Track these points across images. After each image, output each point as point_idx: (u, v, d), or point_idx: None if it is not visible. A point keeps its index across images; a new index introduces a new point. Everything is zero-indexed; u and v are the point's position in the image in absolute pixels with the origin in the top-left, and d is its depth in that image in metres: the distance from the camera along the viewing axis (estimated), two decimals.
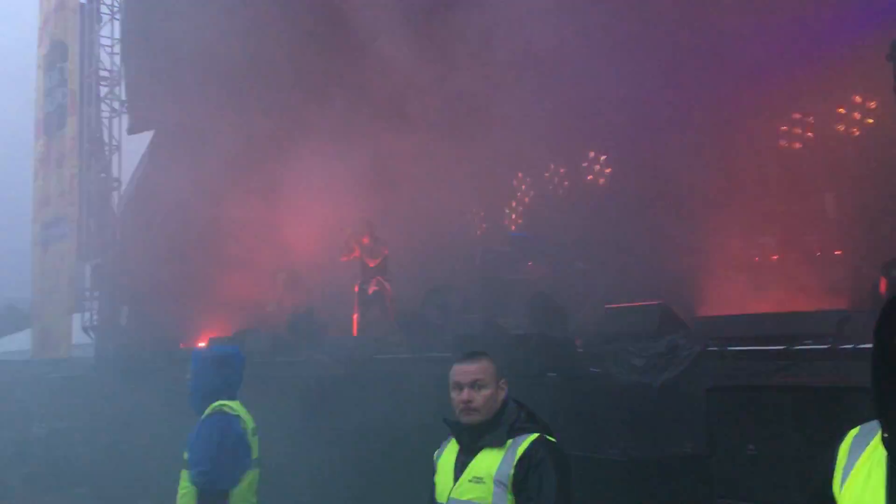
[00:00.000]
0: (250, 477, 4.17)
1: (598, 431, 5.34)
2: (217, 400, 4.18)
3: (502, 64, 10.30)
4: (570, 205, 11.68)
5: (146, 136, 16.69)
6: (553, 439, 2.97)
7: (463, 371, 3.04)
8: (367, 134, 11.37)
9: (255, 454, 4.24)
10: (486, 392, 2.99)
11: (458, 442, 3.05)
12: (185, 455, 4.11)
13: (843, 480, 1.73)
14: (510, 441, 2.91)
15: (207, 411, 4.14)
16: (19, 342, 24.35)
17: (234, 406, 4.23)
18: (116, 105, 16.01)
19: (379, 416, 7.35)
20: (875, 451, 1.70)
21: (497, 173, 12.22)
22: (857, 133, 10.02)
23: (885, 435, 1.67)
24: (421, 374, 7.57)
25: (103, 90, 15.93)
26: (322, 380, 8.33)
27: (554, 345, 6.19)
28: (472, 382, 3.00)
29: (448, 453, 3.10)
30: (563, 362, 6.14)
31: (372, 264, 11.05)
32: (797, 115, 10.31)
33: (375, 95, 11.72)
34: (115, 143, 15.88)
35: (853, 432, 1.79)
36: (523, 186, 13.34)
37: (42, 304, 17.22)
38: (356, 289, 11.27)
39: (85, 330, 15.69)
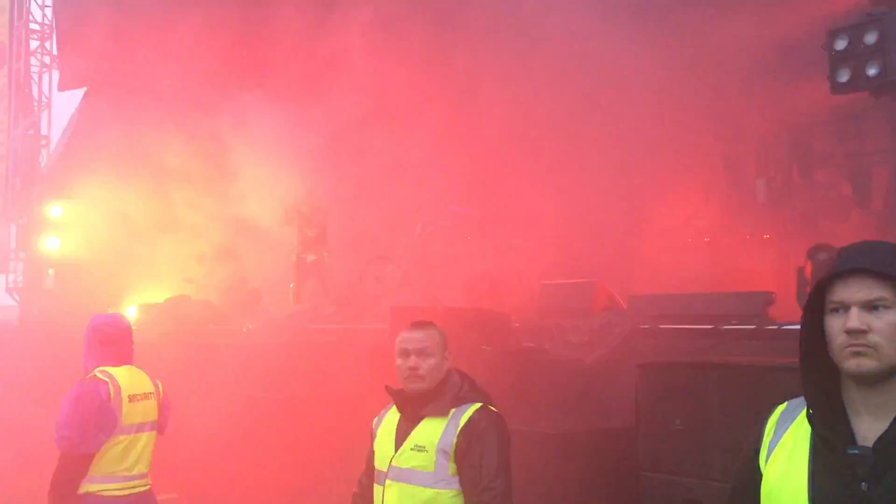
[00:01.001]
0: (122, 442, 4.12)
1: (530, 405, 5.41)
2: (99, 364, 4.18)
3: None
4: (510, 181, 11.72)
5: (77, 94, 16.13)
6: (495, 409, 3.00)
7: (410, 338, 3.05)
8: (318, 92, 11.17)
9: (129, 420, 4.18)
10: (431, 361, 2.99)
11: (400, 410, 3.05)
12: None
13: (769, 454, 1.78)
14: (453, 410, 2.93)
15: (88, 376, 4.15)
16: None
17: (113, 371, 4.19)
18: (47, 59, 15.40)
19: (312, 386, 7.33)
20: (800, 427, 1.75)
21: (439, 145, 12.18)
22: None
23: (810, 411, 1.72)
24: (355, 345, 7.56)
25: (34, 43, 15.30)
26: (255, 349, 8.24)
27: (489, 319, 6.23)
28: (419, 350, 3.00)
29: (388, 421, 3.10)
30: (499, 336, 6.19)
31: (311, 233, 10.94)
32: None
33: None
34: (44, 99, 15.29)
35: (780, 408, 1.84)
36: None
37: None
38: (295, 258, 11.14)
39: (9, 292, 15.20)
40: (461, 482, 2.87)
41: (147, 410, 4.31)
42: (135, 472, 4.16)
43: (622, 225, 10.66)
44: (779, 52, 9.50)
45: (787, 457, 1.73)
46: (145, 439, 4.24)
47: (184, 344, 9.69)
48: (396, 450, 2.96)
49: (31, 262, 14.91)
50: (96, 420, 4.00)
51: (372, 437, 3.16)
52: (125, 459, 4.12)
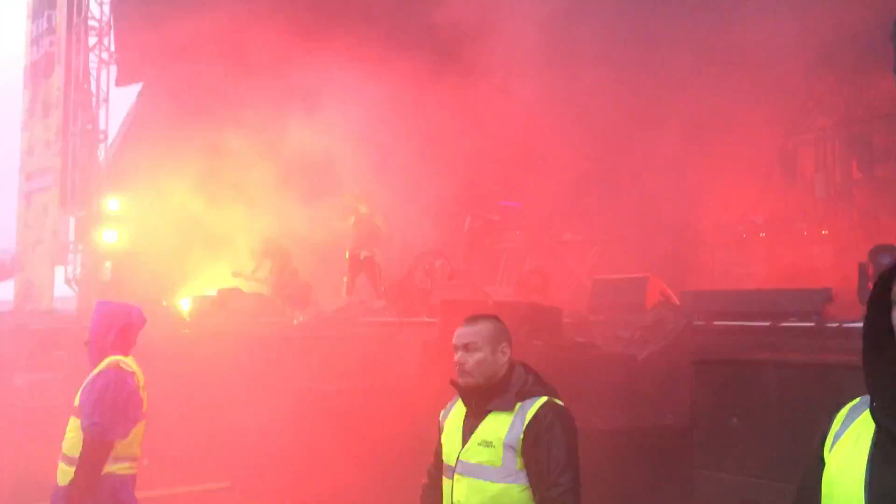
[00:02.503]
0: (137, 429, 4.38)
1: (581, 401, 5.33)
2: (112, 354, 4.34)
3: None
4: (561, 176, 11.63)
5: (134, 89, 16.45)
6: (561, 403, 2.98)
7: (458, 333, 3.06)
8: (365, 96, 11.24)
9: (143, 408, 4.45)
10: (478, 355, 2.97)
11: (466, 405, 3.05)
12: (77, 402, 4.28)
13: (833, 445, 1.80)
14: (519, 405, 2.92)
15: (102, 365, 4.30)
16: (2, 292, 24.20)
17: (129, 362, 4.40)
18: (105, 56, 15.71)
19: (363, 379, 7.37)
20: (865, 421, 1.76)
21: (489, 140, 12.15)
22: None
23: (874, 404, 1.73)
24: (405, 338, 7.59)
25: (92, 40, 15.61)
26: (306, 341, 8.32)
27: (541, 313, 6.19)
28: (465, 345, 3.01)
29: (455, 415, 3.09)
30: (549, 332, 6.14)
31: (366, 231, 11.03)
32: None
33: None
34: (102, 94, 15.61)
35: (851, 403, 1.85)
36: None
37: (26, 255, 17.06)
38: (348, 254, 11.23)
39: (68, 283, 15.57)
40: (529, 477, 2.86)
41: (145, 399, 4.53)
42: (137, 453, 4.40)
43: (676, 220, 10.50)
44: (839, 42, 9.24)
45: (849, 447, 1.76)
46: (142, 425, 4.46)
47: (235, 336, 9.84)
48: (464, 444, 2.97)
49: (89, 254, 15.24)
50: (125, 408, 4.22)
51: (440, 430, 3.16)
52: (138, 445, 4.39)
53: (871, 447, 1.71)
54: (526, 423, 2.87)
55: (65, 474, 4.22)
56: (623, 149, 10.68)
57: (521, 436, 2.86)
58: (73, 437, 4.23)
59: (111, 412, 4.15)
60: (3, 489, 8.72)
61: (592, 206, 11.07)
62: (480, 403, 2.98)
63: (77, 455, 4.15)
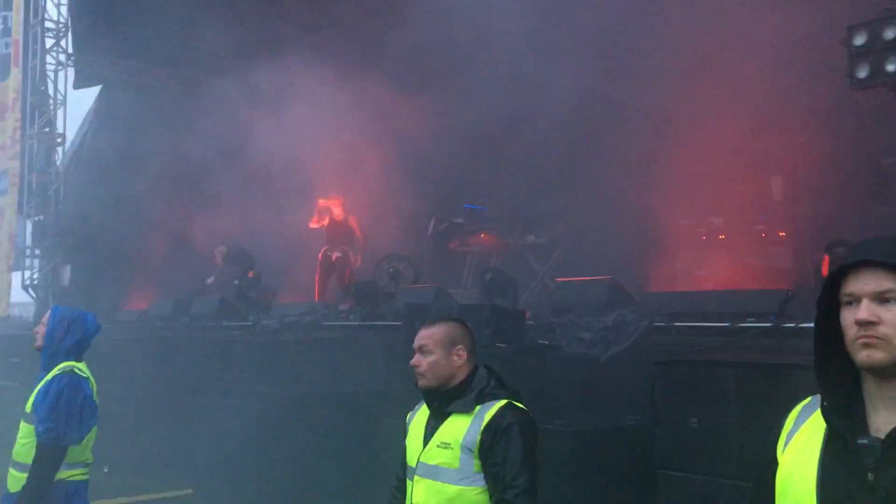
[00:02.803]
0: (91, 435, 4.38)
1: (544, 402, 5.39)
2: (65, 360, 4.32)
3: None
4: (525, 179, 11.69)
5: (93, 92, 16.20)
6: (522, 406, 2.97)
7: (416, 336, 3.09)
8: (329, 98, 11.19)
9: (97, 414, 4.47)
10: (431, 358, 2.99)
11: (429, 406, 3.07)
12: (28, 408, 4.26)
13: (786, 444, 1.80)
14: (479, 407, 2.92)
15: (56, 370, 4.28)
16: None
17: (82, 368, 4.40)
18: (63, 58, 15.46)
19: (326, 382, 7.34)
20: (817, 420, 1.76)
21: (454, 143, 12.19)
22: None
23: (824, 404, 1.74)
24: (371, 342, 7.57)
25: (49, 41, 15.36)
26: (269, 346, 8.25)
27: (504, 316, 6.22)
28: (420, 347, 3.03)
29: (419, 417, 3.11)
30: (513, 334, 6.17)
31: (341, 234, 11.03)
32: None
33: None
34: (60, 97, 15.36)
35: (804, 402, 1.86)
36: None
37: None
38: (321, 255, 11.18)
39: (25, 288, 15.28)
40: (486, 479, 2.86)
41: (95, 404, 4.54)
42: (89, 459, 4.39)
43: (637, 222, 10.61)
44: (797, 47, 9.42)
45: (801, 447, 1.76)
46: (95, 430, 4.44)
47: (198, 341, 9.74)
48: (424, 446, 2.98)
49: (47, 259, 14.99)
50: (80, 413, 4.21)
51: (405, 432, 3.18)
52: (90, 450, 4.38)
53: (822, 447, 1.72)
54: (483, 425, 2.87)
55: (16, 480, 4.19)
56: (585, 152, 10.77)
57: (479, 438, 2.86)
58: (25, 444, 4.20)
59: (66, 418, 4.14)
60: None
61: (556, 210, 11.14)
62: (442, 406, 2.99)
63: (29, 461, 4.13)
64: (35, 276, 15.17)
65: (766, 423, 1.91)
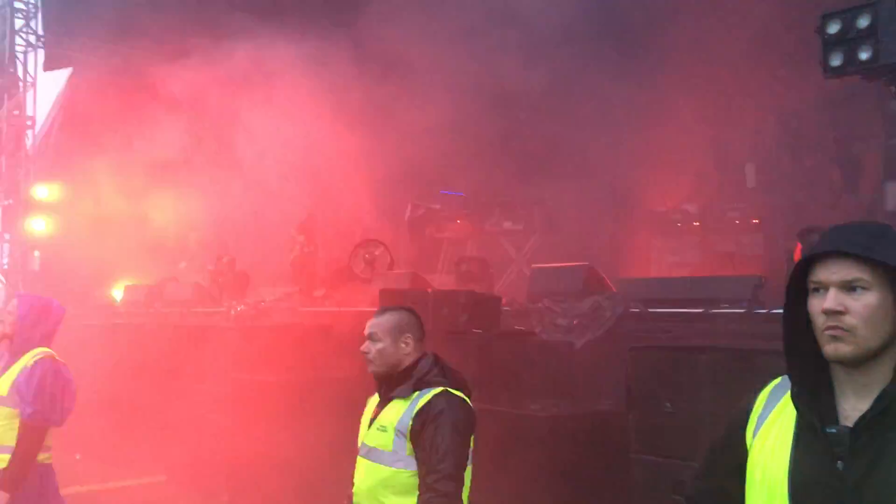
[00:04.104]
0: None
1: (520, 388, 5.42)
2: (36, 346, 4.45)
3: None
4: (500, 165, 11.70)
5: (63, 74, 15.91)
6: (458, 393, 3.05)
7: (367, 324, 3.22)
8: (306, 79, 11.08)
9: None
10: (379, 345, 3.11)
11: (378, 391, 3.20)
12: (3, 392, 4.33)
13: (757, 429, 1.79)
14: (416, 393, 3.03)
15: (34, 355, 4.39)
16: None
17: (54, 353, 4.51)
18: (33, 39, 15.17)
19: (302, 368, 7.31)
20: (787, 405, 1.76)
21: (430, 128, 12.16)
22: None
23: (794, 390, 1.74)
24: (346, 328, 7.54)
25: (18, 22, 15.06)
26: (244, 331, 8.20)
27: (480, 302, 6.23)
28: (369, 335, 3.15)
29: (372, 401, 3.24)
30: (488, 319, 6.18)
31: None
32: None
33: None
34: (30, 79, 15.08)
35: (774, 382, 1.85)
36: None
37: None
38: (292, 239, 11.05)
39: None
40: (417, 463, 2.96)
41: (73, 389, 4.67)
42: (51, 443, 4.49)
43: (612, 208, 10.67)
44: (770, 35, 9.48)
45: (774, 434, 1.75)
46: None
47: (172, 326, 9.66)
48: (369, 428, 3.12)
49: (17, 243, 14.77)
50: (62, 397, 4.38)
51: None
52: (51, 433, 4.48)
53: (793, 433, 1.71)
54: (416, 410, 2.97)
55: None
56: (561, 140, 10.79)
57: (410, 423, 2.96)
58: (2, 426, 4.26)
59: (50, 400, 4.30)
60: None
61: (532, 196, 11.16)
62: (387, 391, 3.12)
63: (6, 444, 4.22)
64: (5, 261, 14.95)
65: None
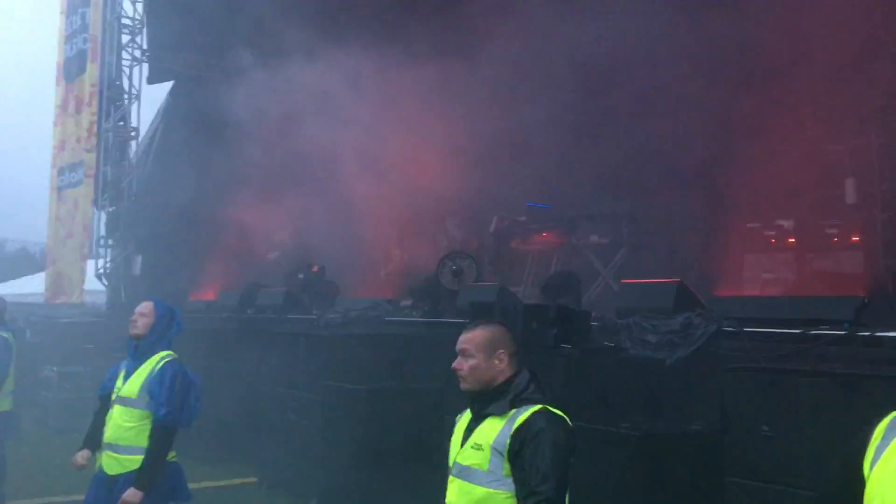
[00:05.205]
0: None
1: (610, 405, 5.37)
2: (162, 349, 4.63)
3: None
4: (588, 178, 11.61)
5: (165, 87, 16.64)
6: (558, 412, 2.92)
7: (458, 339, 3.10)
8: (396, 93, 11.26)
9: None
10: (471, 361, 3.01)
11: (470, 408, 3.09)
12: (133, 394, 4.48)
13: (875, 461, 1.75)
14: (513, 411, 2.91)
15: (160, 358, 4.56)
16: (33, 285, 24.57)
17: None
18: (137, 53, 15.93)
19: (390, 377, 7.41)
20: None
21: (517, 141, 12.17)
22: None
23: None
24: (432, 339, 7.62)
25: (125, 38, 15.85)
26: (333, 339, 8.37)
27: (570, 317, 6.19)
28: (461, 351, 3.04)
29: (464, 418, 3.13)
30: (578, 335, 6.14)
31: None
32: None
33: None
34: (134, 91, 15.83)
35: (892, 414, 1.80)
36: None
37: (57, 249, 17.35)
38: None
39: (98, 277, 15.80)
40: (514, 484, 2.83)
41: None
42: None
43: (703, 223, 10.43)
44: (874, 45, 9.13)
45: (893, 465, 1.70)
46: None
47: (263, 333, 9.93)
48: (462, 446, 3.00)
49: (119, 248, 15.46)
50: (188, 398, 4.55)
51: (451, 432, 3.20)
52: None
53: None
54: (514, 428, 2.85)
55: (117, 463, 4.43)
56: (651, 153, 10.63)
57: (508, 441, 2.84)
58: (132, 427, 4.42)
59: (182, 402, 4.47)
60: (37, 479, 8.87)
61: (620, 210, 11.02)
62: (481, 408, 3.00)
63: (137, 444, 4.40)
64: (108, 265, 15.67)
65: (840, 433, 1.87)
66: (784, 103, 9.60)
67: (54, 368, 12.80)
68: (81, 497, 4.61)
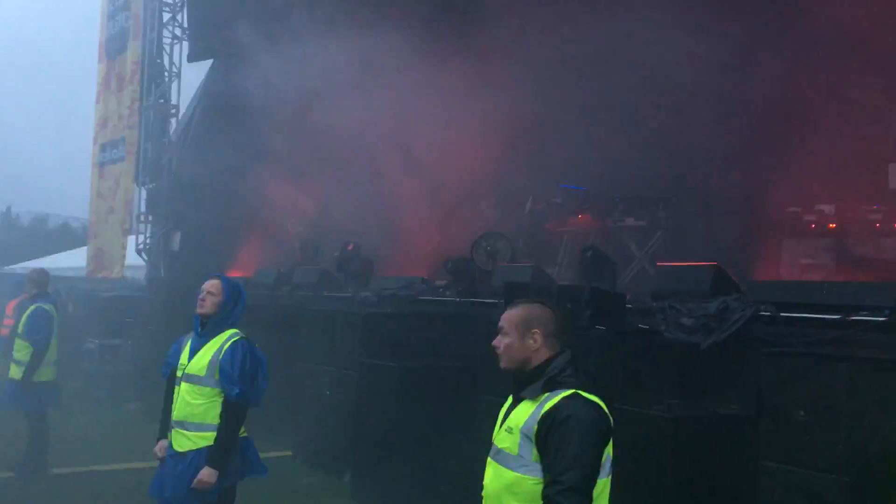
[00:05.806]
0: None
1: (643, 387, 5.37)
2: (229, 327, 4.59)
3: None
4: (624, 160, 11.52)
5: (205, 65, 16.78)
6: (590, 397, 2.81)
7: (500, 317, 3.06)
8: (434, 76, 11.24)
9: None
10: (506, 340, 2.95)
11: (512, 389, 3.03)
12: (202, 371, 4.47)
13: None
14: (546, 394, 2.81)
15: (229, 337, 4.53)
16: (75, 259, 25.07)
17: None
18: (178, 31, 16.08)
19: (425, 356, 7.47)
20: None
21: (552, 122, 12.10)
22: None
23: None
24: (467, 318, 7.67)
25: (166, 16, 16.00)
26: (371, 317, 8.45)
27: (605, 298, 6.18)
28: (499, 329, 3.00)
29: (508, 400, 3.07)
30: (613, 316, 6.14)
31: None
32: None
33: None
34: (175, 69, 16.00)
35: None
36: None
37: (98, 224, 17.67)
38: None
39: (138, 252, 16.07)
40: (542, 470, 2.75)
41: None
42: None
43: (741, 207, 10.32)
44: None
45: None
46: None
47: (298, 309, 10.05)
48: (499, 428, 2.95)
49: (159, 224, 15.70)
50: (257, 377, 4.56)
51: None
52: None
53: None
54: (542, 413, 2.76)
55: (187, 440, 4.45)
56: (690, 135, 10.51)
57: (536, 427, 2.76)
58: (202, 404, 4.43)
59: (251, 381, 4.48)
60: (79, 448, 9.10)
61: (656, 193, 10.93)
62: (518, 389, 2.94)
63: (208, 421, 4.42)
64: (148, 240, 15.93)
65: (878, 419, 1.87)
66: (827, 87, 9.44)
67: (96, 341, 13.08)
68: (122, 466, 4.71)
